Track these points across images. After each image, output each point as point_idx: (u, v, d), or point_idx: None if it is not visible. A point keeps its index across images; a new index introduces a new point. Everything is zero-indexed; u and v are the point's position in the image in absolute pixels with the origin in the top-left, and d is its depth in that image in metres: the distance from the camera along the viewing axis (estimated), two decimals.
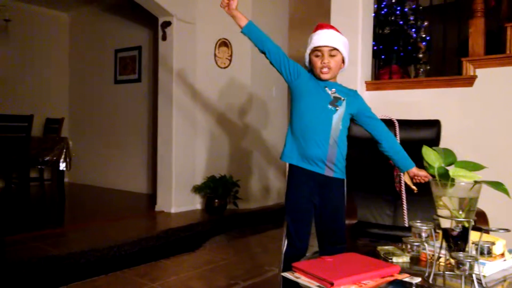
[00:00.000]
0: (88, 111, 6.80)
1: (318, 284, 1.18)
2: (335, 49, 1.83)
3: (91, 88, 6.76)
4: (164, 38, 4.72)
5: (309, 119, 1.85)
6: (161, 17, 4.73)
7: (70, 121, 6.97)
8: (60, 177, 5.15)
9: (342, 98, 1.87)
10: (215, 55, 4.94)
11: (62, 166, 5.02)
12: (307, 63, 1.93)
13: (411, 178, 1.94)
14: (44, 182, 5.46)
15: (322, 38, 1.84)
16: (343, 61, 1.89)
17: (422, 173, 1.86)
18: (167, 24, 4.68)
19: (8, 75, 6.30)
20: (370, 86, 3.33)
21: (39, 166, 5.21)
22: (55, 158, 4.98)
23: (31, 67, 6.57)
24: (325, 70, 1.83)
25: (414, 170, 1.89)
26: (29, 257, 2.84)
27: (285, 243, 1.96)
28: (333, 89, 1.87)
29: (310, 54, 1.88)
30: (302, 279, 1.23)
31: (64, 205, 5.04)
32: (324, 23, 1.95)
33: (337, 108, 1.85)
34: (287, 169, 1.96)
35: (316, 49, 1.84)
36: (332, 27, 1.91)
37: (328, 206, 1.90)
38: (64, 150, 5.03)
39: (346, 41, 1.89)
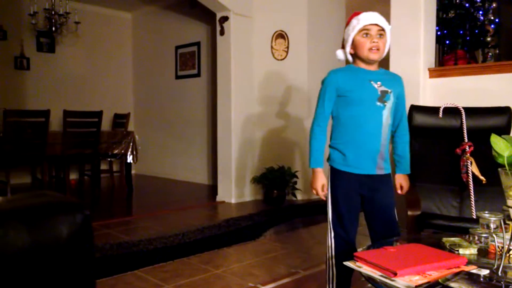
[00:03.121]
0: (151, 106, 7.12)
1: (380, 273, 1.19)
2: (383, 29, 1.79)
3: (154, 84, 7.06)
4: (222, 33, 4.82)
5: (360, 123, 1.80)
6: (219, 13, 4.83)
7: (135, 115, 7.33)
8: (128, 169, 5.47)
9: (389, 91, 1.81)
10: (271, 47, 4.97)
11: (130, 158, 5.33)
12: (348, 48, 1.86)
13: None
14: (113, 174, 5.80)
15: (370, 17, 1.79)
16: None
17: (407, 185, 1.95)
18: (225, 19, 4.77)
19: (79, 74, 6.76)
20: (434, 73, 3.20)
21: (109, 159, 5.55)
22: (123, 151, 5.29)
23: (98, 65, 6.98)
24: (374, 49, 1.78)
25: (404, 178, 1.95)
26: (103, 243, 3.06)
27: (332, 235, 1.95)
28: (379, 82, 1.80)
29: (355, 36, 1.81)
30: (364, 268, 1.24)
31: (132, 195, 5.35)
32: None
33: (386, 103, 1.80)
34: (330, 170, 1.94)
35: (364, 28, 1.78)
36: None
37: (379, 200, 1.87)
38: (131, 144, 5.33)
39: (390, 28, 1.86)
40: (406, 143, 1.97)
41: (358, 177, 1.84)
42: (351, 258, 1.30)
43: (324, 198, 1.91)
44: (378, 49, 1.79)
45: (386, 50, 1.85)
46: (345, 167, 1.85)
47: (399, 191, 1.97)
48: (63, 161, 4.88)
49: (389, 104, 1.82)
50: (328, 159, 1.94)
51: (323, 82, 1.89)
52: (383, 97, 1.80)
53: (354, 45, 1.83)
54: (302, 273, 2.60)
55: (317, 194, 1.91)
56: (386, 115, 1.81)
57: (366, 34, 1.79)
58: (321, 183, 1.88)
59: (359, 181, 1.85)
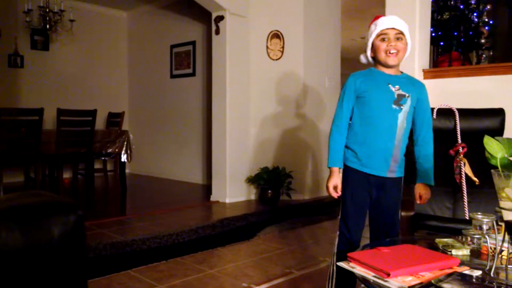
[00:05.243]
0: (146, 105, 7.09)
1: (374, 274, 1.19)
2: (401, 32, 1.81)
3: (149, 83, 7.04)
4: (217, 32, 4.81)
5: (374, 124, 1.82)
6: (214, 12, 4.82)
7: (129, 114, 7.31)
8: (122, 168, 5.45)
9: (407, 95, 1.82)
10: (267, 47, 4.97)
11: (124, 157, 5.31)
12: (369, 51, 1.88)
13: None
14: (107, 173, 5.78)
15: (388, 21, 1.82)
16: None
17: (426, 195, 1.91)
18: (220, 18, 4.76)
19: (73, 73, 6.72)
20: (428, 74, 3.22)
21: (102, 158, 5.53)
22: (117, 150, 5.27)
23: (93, 64, 6.95)
24: (393, 51, 1.79)
25: (425, 188, 1.93)
26: (96, 243, 3.05)
27: (338, 233, 1.97)
28: (397, 86, 1.82)
29: (374, 40, 1.84)
30: (358, 269, 1.24)
31: (126, 195, 5.33)
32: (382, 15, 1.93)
33: (402, 107, 1.81)
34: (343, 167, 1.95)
35: (382, 33, 1.81)
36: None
37: (385, 202, 1.89)
38: (125, 143, 5.31)
39: (408, 27, 1.86)
40: (429, 153, 1.94)
41: (368, 177, 1.86)
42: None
43: (336, 198, 1.91)
44: (397, 53, 1.80)
45: (407, 52, 1.87)
46: (356, 165, 1.87)
47: (418, 201, 1.94)
48: (57, 160, 4.85)
49: (406, 108, 1.82)
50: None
51: (344, 85, 1.92)
52: (399, 100, 1.81)
53: (373, 49, 1.86)
54: (296, 273, 2.60)
55: (329, 193, 1.91)
56: (402, 118, 1.82)
57: (384, 38, 1.81)
58: (334, 182, 1.88)
59: (369, 181, 1.87)
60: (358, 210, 1.91)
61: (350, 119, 1.91)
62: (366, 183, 1.87)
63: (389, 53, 1.80)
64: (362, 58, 1.94)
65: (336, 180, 1.88)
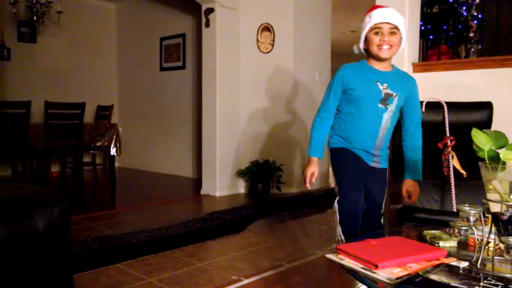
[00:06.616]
0: (135, 98, 7.03)
1: (362, 266, 1.20)
2: (395, 27, 1.78)
3: (138, 76, 6.98)
4: (207, 24, 4.77)
5: (358, 121, 1.82)
6: (204, 4, 4.78)
7: (119, 107, 7.24)
8: (111, 162, 5.41)
9: (394, 94, 1.80)
10: (257, 40, 4.95)
11: (113, 151, 5.27)
12: (362, 44, 1.85)
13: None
14: (96, 167, 5.73)
15: (383, 15, 1.78)
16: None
17: (415, 193, 1.91)
18: (210, 10, 4.73)
19: (61, 65, 6.63)
20: (418, 67, 3.23)
21: (91, 151, 5.47)
22: (106, 143, 5.22)
23: (82, 56, 6.86)
24: (385, 47, 1.76)
25: (413, 185, 1.92)
26: (85, 237, 3.02)
27: (337, 199, 1.89)
28: (385, 84, 1.80)
29: (368, 33, 1.81)
30: (346, 261, 1.24)
31: (115, 188, 5.29)
32: (380, 5, 1.89)
33: (388, 106, 1.79)
34: (329, 152, 1.95)
35: (376, 27, 1.78)
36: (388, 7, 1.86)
37: (370, 192, 1.89)
38: (115, 136, 5.27)
39: (403, 20, 1.83)
40: (418, 147, 1.93)
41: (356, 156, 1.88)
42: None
43: (309, 187, 1.88)
44: (389, 47, 1.77)
45: (402, 46, 1.84)
46: (346, 146, 1.88)
47: (407, 200, 1.92)
48: (45, 154, 4.79)
49: (392, 108, 1.80)
50: (328, 146, 1.94)
51: (333, 76, 1.90)
52: (386, 99, 1.79)
53: (366, 41, 1.83)
54: (286, 265, 2.61)
55: (305, 179, 1.88)
56: (386, 118, 1.81)
57: (377, 32, 1.78)
58: (312, 170, 1.86)
59: (358, 158, 1.88)
60: (357, 167, 1.86)
61: (336, 111, 1.91)
62: (358, 158, 1.86)
63: (381, 46, 1.78)
64: (355, 49, 1.92)
65: (314, 168, 1.86)
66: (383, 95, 1.78)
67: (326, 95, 1.89)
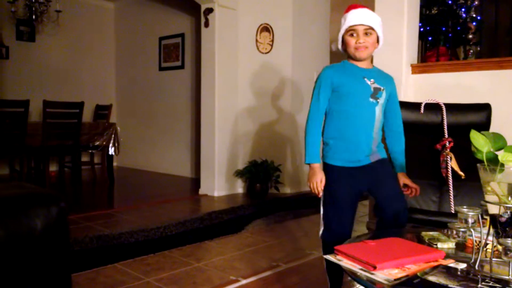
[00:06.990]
0: (134, 98, 7.02)
1: (360, 267, 1.20)
2: (370, 28, 1.79)
3: (137, 75, 6.97)
4: (206, 25, 4.77)
5: (353, 118, 1.81)
6: (204, 4, 4.78)
7: (117, 107, 7.23)
8: (110, 161, 5.40)
9: (382, 88, 1.83)
10: (256, 40, 4.95)
11: (111, 150, 5.26)
12: (340, 45, 1.88)
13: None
14: (95, 166, 5.72)
15: (356, 17, 1.79)
16: (377, 41, 1.85)
17: (412, 184, 1.92)
18: (210, 11, 4.72)
19: (60, 64, 6.62)
20: (416, 69, 3.23)
21: (90, 151, 5.47)
22: (104, 143, 5.22)
23: (80, 55, 6.85)
24: (361, 49, 1.79)
25: (406, 176, 1.94)
26: (83, 236, 3.02)
27: (322, 227, 1.94)
28: (372, 79, 1.82)
29: (344, 35, 1.83)
30: (344, 262, 1.24)
31: (113, 188, 5.29)
32: (357, 4, 1.90)
33: (378, 100, 1.82)
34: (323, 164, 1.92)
35: (351, 29, 1.80)
36: (365, 7, 1.86)
37: (379, 195, 1.87)
38: (113, 136, 5.26)
39: (380, 20, 1.84)
40: (403, 147, 1.96)
41: (350, 171, 1.83)
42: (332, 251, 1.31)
43: (319, 194, 1.87)
44: (365, 48, 1.79)
45: (380, 45, 1.86)
46: (336, 161, 1.84)
47: (409, 194, 1.93)
48: (43, 153, 4.78)
49: (382, 101, 1.83)
50: (322, 155, 1.92)
51: (317, 78, 1.88)
52: (375, 93, 1.81)
53: (344, 43, 1.85)
54: (284, 266, 2.61)
55: (313, 189, 1.85)
56: (378, 111, 1.83)
57: (352, 34, 1.80)
58: (319, 177, 1.82)
59: (352, 175, 1.83)
60: (344, 198, 1.85)
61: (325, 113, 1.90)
62: (349, 178, 1.83)
63: (358, 48, 1.79)
64: (333, 47, 1.94)
65: (320, 175, 1.82)
66: (372, 89, 1.81)
67: (314, 96, 1.87)
